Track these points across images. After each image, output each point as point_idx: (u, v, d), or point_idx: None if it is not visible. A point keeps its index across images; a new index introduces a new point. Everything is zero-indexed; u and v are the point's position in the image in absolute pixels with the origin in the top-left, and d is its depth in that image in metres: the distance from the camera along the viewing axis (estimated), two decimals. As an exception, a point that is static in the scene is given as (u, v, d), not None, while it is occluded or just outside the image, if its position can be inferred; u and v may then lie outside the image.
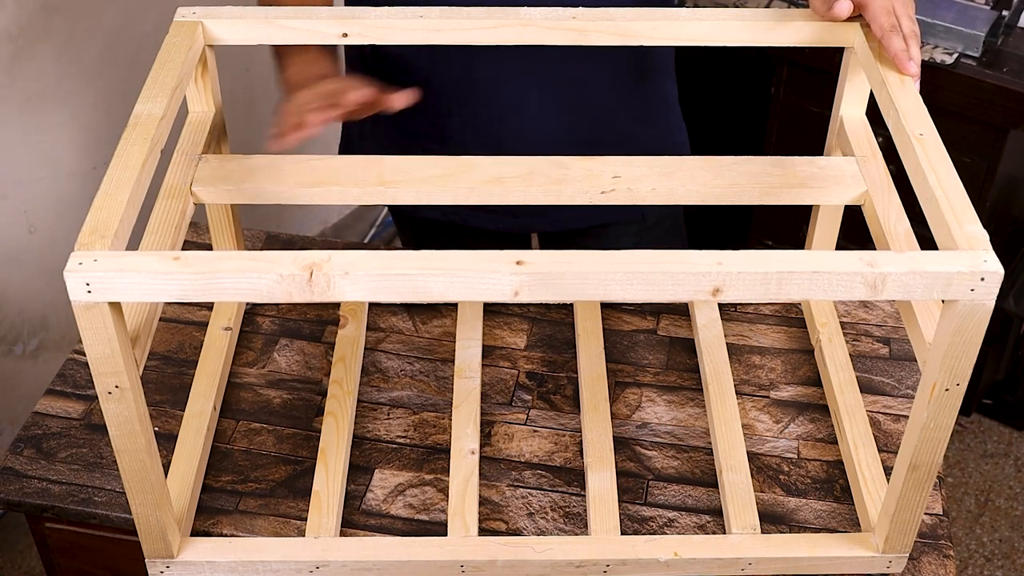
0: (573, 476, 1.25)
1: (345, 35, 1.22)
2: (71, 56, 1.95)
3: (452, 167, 1.20)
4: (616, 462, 1.25)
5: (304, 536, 1.17)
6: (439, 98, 1.41)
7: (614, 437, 1.27)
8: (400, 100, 1.19)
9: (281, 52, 1.29)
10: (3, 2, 1.80)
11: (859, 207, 1.22)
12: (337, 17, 1.21)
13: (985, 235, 0.96)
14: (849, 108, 1.27)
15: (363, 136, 1.52)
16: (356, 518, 1.20)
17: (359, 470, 1.25)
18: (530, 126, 1.39)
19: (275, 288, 0.93)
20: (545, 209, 1.43)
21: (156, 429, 1.25)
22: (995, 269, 0.92)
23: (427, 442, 1.28)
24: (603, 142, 1.42)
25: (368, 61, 1.43)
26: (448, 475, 1.23)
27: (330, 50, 1.31)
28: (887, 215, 1.15)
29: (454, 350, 1.37)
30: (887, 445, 1.28)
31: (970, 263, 0.93)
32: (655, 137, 1.49)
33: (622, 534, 1.18)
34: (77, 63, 1.96)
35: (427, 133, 1.27)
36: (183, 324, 1.40)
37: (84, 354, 1.16)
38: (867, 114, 1.27)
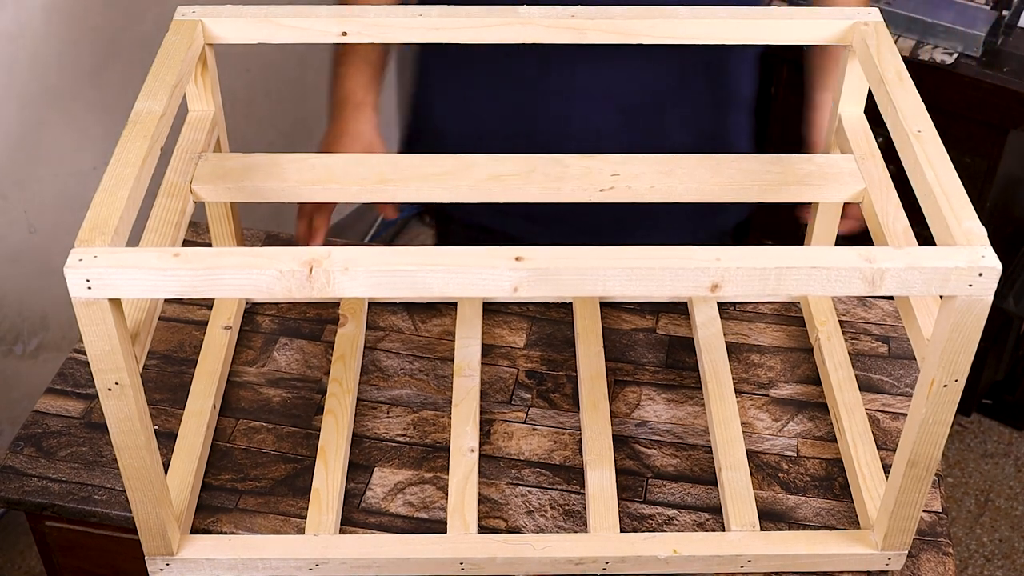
0: (572, 474, 1.25)
1: (344, 33, 1.22)
2: (71, 56, 1.95)
3: (451, 165, 1.20)
4: (615, 460, 1.25)
5: (304, 534, 1.17)
6: (508, 103, 1.47)
7: (613, 435, 1.27)
8: None
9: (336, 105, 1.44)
10: (3, 2, 1.81)
11: (858, 205, 1.22)
12: (337, 15, 1.22)
13: (983, 231, 0.96)
14: (847, 106, 1.27)
15: (439, 133, 1.55)
16: (356, 516, 1.20)
17: (359, 468, 1.25)
18: (593, 147, 1.40)
19: (275, 284, 0.93)
20: (595, 233, 1.47)
21: (156, 427, 1.25)
22: (993, 264, 0.93)
23: (426, 440, 1.28)
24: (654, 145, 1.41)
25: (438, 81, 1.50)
26: (447, 473, 1.23)
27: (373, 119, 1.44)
28: (885, 212, 1.15)
29: (453, 349, 1.37)
30: (886, 443, 1.28)
31: (968, 258, 0.93)
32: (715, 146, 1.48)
33: (621, 531, 1.18)
34: (77, 63, 1.97)
35: (502, 132, 1.34)
36: (183, 323, 1.40)
37: (84, 353, 1.16)
38: (867, 115, 1.27)
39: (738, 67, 1.51)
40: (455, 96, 1.51)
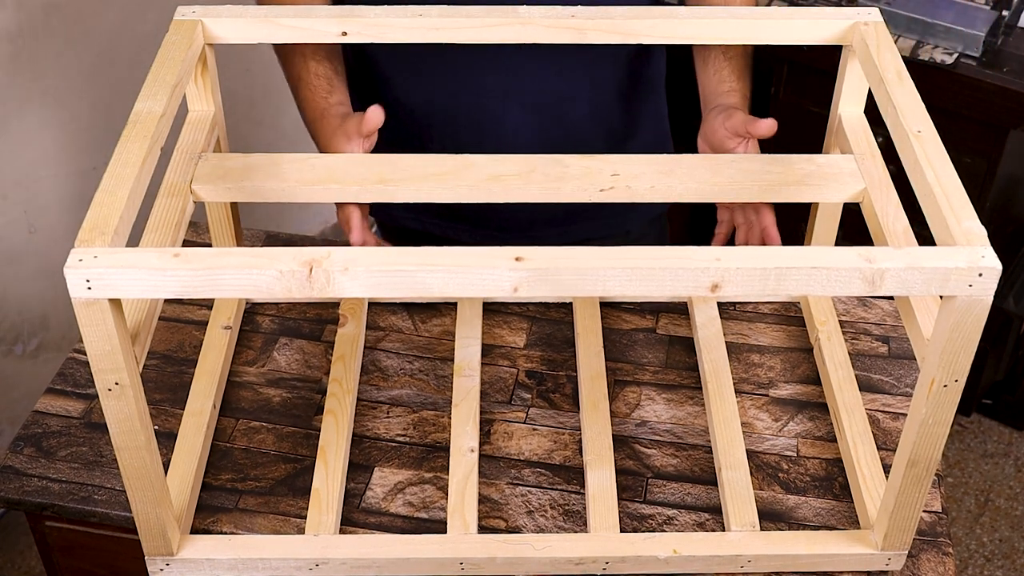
0: (572, 474, 1.25)
1: (344, 33, 1.22)
2: (71, 56, 1.95)
3: (452, 165, 1.20)
4: (615, 460, 1.25)
5: (304, 534, 1.17)
6: (419, 116, 1.45)
7: (613, 435, 1.27)
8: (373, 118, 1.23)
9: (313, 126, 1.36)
10: (3, 2, 1.81)
11: (858, 206, 1.22)
12: (336, 15, 1.22)
13: (983, 231, 0.96)
14: (847, 106, 1.27)
15: None
16: (356, 516, 1.20)
17: (359, 468, 1.25)
18: (507, 145, 1.39)
19: (275, 284, 0.93)
20: (527, 228, 1.48)
21: (156, 427, 1.25)
22: (993, 265, 0.93)
23: (426, 440, 1.28)
24: (566, 141, 1.43)
25: (353, 80, 1.45)
26: (447, 473, 1.23)
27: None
28: (885, 212, 1.15)
29: (453, 349, 1.37)
30: (886, 443, 1.28)
31: (968, 259, 0.93)
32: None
33: (621, 532, 1.18)
34: (77, 63, 1.97)
35: (407, 150, 1.32)
36: (183, 323, 1.40)
37: (84, 353, 1.16)
38: (867, 115, 1.27)
39: (646, 51, 1.50)
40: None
